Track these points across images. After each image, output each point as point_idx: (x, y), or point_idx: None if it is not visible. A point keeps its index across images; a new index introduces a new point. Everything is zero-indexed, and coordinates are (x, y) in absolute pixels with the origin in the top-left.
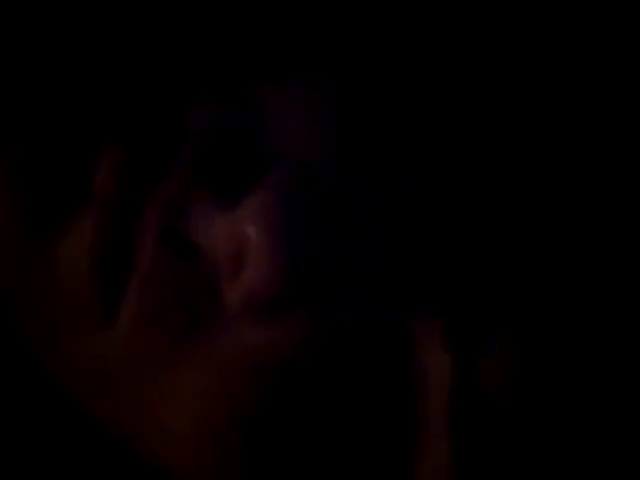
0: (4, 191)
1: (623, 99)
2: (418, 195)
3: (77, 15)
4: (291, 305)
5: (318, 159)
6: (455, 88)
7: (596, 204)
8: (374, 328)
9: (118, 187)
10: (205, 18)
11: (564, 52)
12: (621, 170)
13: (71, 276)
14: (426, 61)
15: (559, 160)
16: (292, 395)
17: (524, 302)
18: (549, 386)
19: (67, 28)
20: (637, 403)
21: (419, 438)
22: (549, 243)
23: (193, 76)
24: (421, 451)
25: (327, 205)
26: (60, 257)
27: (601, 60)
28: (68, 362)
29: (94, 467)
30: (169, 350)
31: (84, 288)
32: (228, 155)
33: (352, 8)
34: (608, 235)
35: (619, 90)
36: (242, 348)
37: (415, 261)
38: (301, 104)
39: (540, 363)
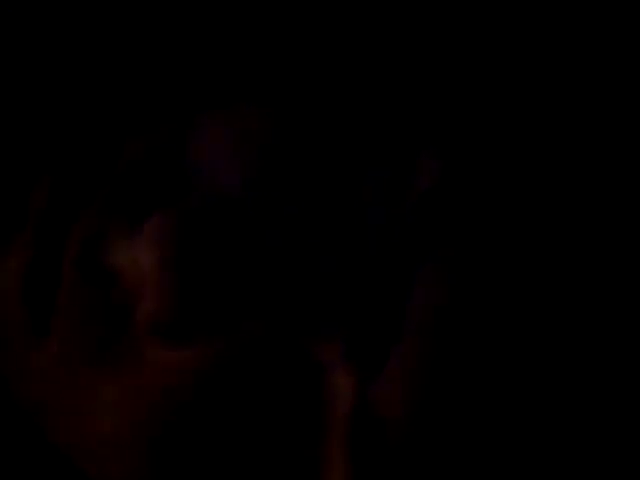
0: None
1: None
2: (321, 226)
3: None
4: (196, 330)
5: (232, 189)
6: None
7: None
8: (281, 352)
9: (48, 214)
10: (142, 51)
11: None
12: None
13: (5, 298)
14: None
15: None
16: (199, 416)
17: (413, 325)
18: (438, 409)
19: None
20: (524, 427)
21: (324, 461)
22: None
23: (131, 107)
24: (326, 475)
25: (228, 234)
26: (0, 279)
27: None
28: (13, 374)
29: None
30: (88, 370)
31: (15, 310)
32: (151, 185)
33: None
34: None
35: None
36: (152, 369)
37: (315, 287)
38: (226, 136)
39: (428, 386)
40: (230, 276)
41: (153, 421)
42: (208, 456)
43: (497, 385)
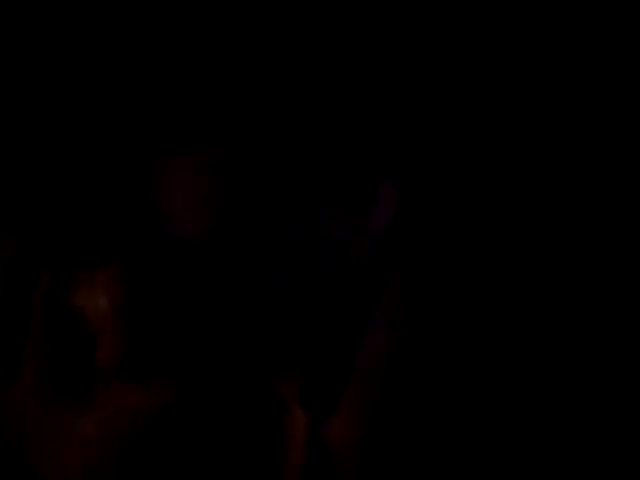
0: None
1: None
2: (278, 270)
3: None
4: (149, 372)
5: (190, 233)
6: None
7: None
8: (243, 389)
9: (17, 260)
10: (107, 98)
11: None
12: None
13: None
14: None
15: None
16: (162, 448)
17: (362, 370)
18: (381, 446)
19: None
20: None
21: None
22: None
23: (99, 153)
24: None
25: (182, 279)
26: None
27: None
28: None
29: None
30: (59, 403)
31: None
32: (115, 231)
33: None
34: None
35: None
36: (117, 407)
37: (274, 328)
38: (186, 182)
39: (372, 426)
40: (182, 321)
41: (120, 452)
42: None
43: (434, 426)
